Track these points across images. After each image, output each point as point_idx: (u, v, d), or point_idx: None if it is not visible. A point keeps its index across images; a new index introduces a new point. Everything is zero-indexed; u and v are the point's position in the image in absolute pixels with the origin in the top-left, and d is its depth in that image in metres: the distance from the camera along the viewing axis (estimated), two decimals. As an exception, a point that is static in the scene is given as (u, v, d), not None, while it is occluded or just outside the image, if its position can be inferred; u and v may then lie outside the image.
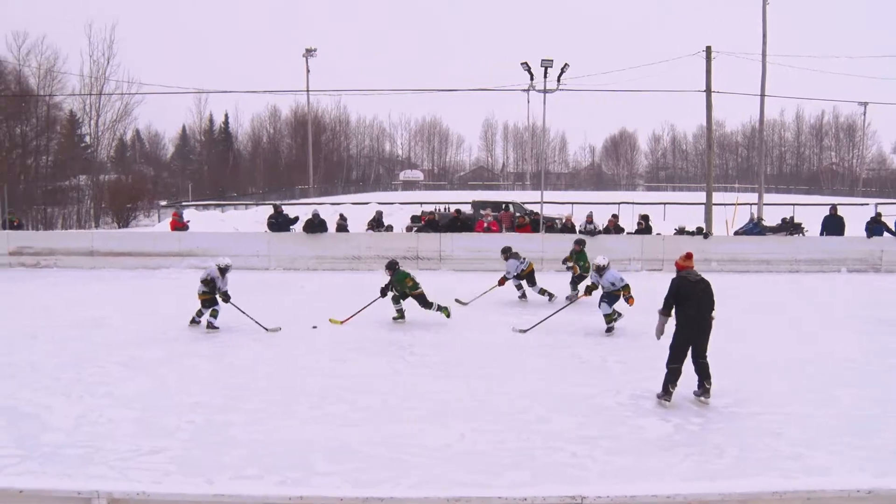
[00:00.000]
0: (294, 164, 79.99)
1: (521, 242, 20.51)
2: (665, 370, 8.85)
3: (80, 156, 53.33)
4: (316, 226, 20.73)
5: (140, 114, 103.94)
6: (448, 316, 13.40)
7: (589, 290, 13.51)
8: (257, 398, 9.17)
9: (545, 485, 6.50)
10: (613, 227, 21.65)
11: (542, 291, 15.60)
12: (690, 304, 8.69)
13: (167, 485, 4.33)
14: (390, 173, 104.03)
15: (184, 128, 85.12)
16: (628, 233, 22.34)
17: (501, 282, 15.52)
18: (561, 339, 12.24)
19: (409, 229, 22.11)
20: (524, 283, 15.81)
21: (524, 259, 15.70)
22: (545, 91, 25.27)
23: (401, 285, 13.39)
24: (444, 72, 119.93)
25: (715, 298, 8.86)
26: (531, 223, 23.79)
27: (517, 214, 26.87)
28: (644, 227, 22.01)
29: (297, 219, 21.64)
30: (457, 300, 15.14)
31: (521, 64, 25.34)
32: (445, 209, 35.02)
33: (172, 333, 12.70)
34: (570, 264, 15.99)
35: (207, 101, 79.09)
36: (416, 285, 13.39)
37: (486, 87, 67.00)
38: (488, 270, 19.54)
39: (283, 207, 23.36)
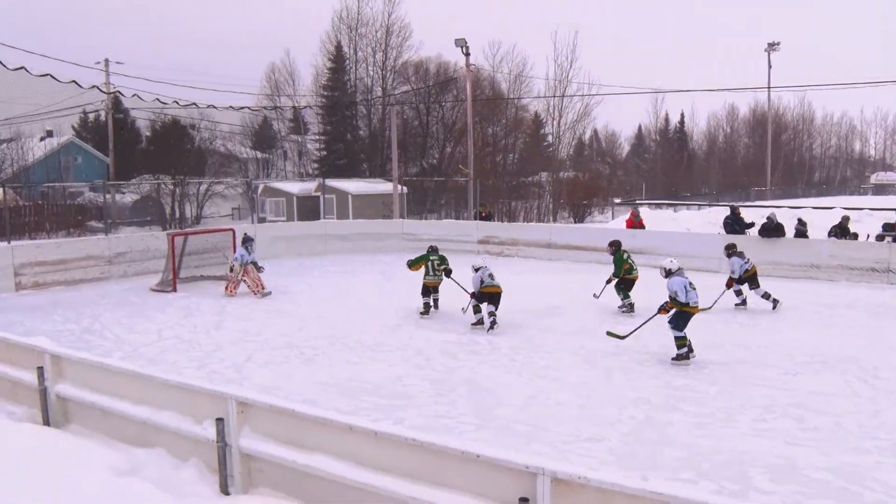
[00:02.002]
0: (750, 165, 77.31)
1: None
2: None
3: (542, 154, 57.62)
4: (772, 230, 19.67)
5: (598, 114, 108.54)
6: None
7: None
8: (701, 402, 9.03)
9: None
10: None
11: (766, 296, 14.61)
12: None
13: (604, 473, 4.43)
14: (859, 175, 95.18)
15: (639, 127, 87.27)
16: None
17: (729, 283, 14.57)
18: None
19: (879, 238, 19.88)
20: (745, 286, 14.79)
21: (748, 259, 14.69)
22: None
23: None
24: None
25: None
26: None
27: None
28: None
29: (752, 224, 20.68)
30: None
31: None
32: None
33: (621, 328, 12.50)
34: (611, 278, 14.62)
35: (664, 100, 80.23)
36: (441, 264, 14.27)
37: None
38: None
39: (741, 210, 22.51)
